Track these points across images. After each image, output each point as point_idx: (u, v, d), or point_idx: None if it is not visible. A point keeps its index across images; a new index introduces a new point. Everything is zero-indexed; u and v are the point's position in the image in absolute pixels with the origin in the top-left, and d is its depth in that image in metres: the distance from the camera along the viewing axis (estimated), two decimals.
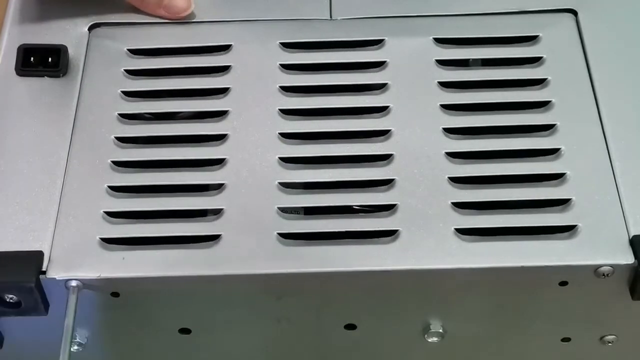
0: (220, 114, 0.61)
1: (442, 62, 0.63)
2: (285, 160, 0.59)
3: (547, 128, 0.60)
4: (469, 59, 0.64)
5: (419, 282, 0.55)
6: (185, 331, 0.59)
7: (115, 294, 0.55)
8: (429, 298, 0.57)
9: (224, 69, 0.63)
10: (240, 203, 0.57)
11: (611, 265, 0.54)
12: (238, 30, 0.65)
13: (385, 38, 0.64)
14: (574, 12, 0.65)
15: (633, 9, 0.65)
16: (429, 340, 0.59)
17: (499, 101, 0.61)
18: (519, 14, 0.65)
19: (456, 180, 0.58)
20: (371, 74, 0.63)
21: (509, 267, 0.55)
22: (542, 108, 0.61)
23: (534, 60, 0.63)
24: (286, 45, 0.64)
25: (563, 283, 0.55)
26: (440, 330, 0.58)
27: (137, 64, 0.64)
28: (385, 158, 0.59)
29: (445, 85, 0.62)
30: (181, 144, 0.60)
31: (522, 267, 0.54)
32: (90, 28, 0.65)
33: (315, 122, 0.61)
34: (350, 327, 0.59)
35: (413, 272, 0.55)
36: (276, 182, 0.58)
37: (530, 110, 0.61)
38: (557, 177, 0.58)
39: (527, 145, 0.59)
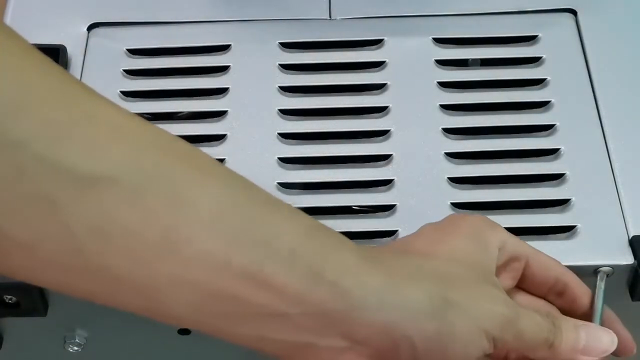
0: (219, 114, 0.61)
1: (442, 62, 0.63)
2: (284, 160, 0.59)
3: (547, 128, 0.60)
4: (468, 59, 0.64)
5: None
6: (184, 332, 0.59)
7: None
8: None
9: (223, 69, 0.63)
10: None
11: (611, 266, 0.54)
12: (237, 30, 0.65)
13: (385, 38, 0.64)
14: (573, 12, 0.65)
15: (633, 9, 0.65)
16: None
17: (499, 101, 0.61)
18: (518, 14, 0.65)
19: (455, 181, 0.58)
20: (370, 74, 0.63)
21: None
22: (542, 108, 0.61)
23: (534, 60, 0.63)
24: (285, 45, 0.64)
25: None
26: None
27: (136, 64, 0.63)
28: (385, 158, 0.59)
29: (444, 85, 0.62)
30: None
31: None
32: (89, 28, 0.65)
33: (314, 123, 0.60)
34: None
35: None
36: (275, 183, 0.58)
37: (530, 110, 0.61)
38: (557, 177, 0.58)
39: (527, 145, 0.59)
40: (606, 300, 0.52)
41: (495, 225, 0.49)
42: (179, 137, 0.41)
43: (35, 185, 0.37)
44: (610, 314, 0.52)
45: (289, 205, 0.43)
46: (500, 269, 0.48)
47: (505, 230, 0.49)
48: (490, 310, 0.44)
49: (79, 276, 0.39)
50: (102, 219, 0.38)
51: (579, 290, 0.51)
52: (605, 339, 0.48)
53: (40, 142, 0.36)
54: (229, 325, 0.41)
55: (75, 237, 0.37)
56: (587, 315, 0.51)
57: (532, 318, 0.46)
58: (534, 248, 0.50)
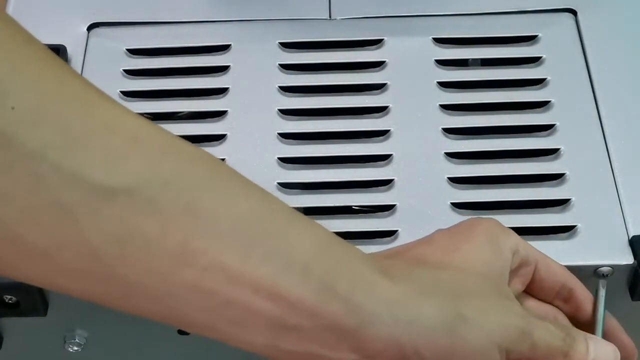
0: (219, 114, 0.61)
1: (441, 62, 0.63)
2: (284, 160, 0.59)
3: (547, 128, 0.60)
4: (468, 59, 0.64)
5: None
6: (184, 332, 0.59)
7: None
8: None
9: (223, 69, 0.63)
10: None
11: (611, 266, 0.54)
12: (237, 30, 0.65)
13: (385, 38, 0.64)
14: (573, 12, 0.65)
15: (633, 9, 0.65)
16: None
17: (498, 101, 0.61)
18: (518, 14, 0.65)
19: (455, 181, 0.58)
20: (370, 74, 0.63)
21: None
22: (542, 108, 0.61)
23: (534, 60, 0.63)
24: (285, 45, 0.64)
25: None
26: None
27: (136, 64, 0.63)
28: (385, 158, 0.59)
29: (444, 85, 0.62)
30: None
31: None
32: (89, 28, 0.65)
33: (314, 122, 0.61)
34: None
35: None
36: (275, 183, 0.58)
37: (530, 110, 0.61)
38: (557, 177, 0.58)
39: (527, 145, 0.59)
40: (607, 301, 0.52)
41: (508, 229, 0.49)
42: (198, 147, 0.41)
43: (53, 194, 0.37)
44: (613, 323, 0.52)
45: (305, 217, 0.43)
46: (511, 274, 0.48)
47: (517, 235, 0.49)
48: (504, 323, 0.44)
49: (95, 282, 0.39)
50: (119, 229, 0.38)
51: (584, 297, 0.51)
52: (610, 354, 0.48)
53: (58, 152, 0.37)
54: (242, 333, 0.41)
55: (93, 246, 0.38)
56: (589, 323, 0.51)
57: (547, 328, 0.46)
58: (542, 253, 0.50)
